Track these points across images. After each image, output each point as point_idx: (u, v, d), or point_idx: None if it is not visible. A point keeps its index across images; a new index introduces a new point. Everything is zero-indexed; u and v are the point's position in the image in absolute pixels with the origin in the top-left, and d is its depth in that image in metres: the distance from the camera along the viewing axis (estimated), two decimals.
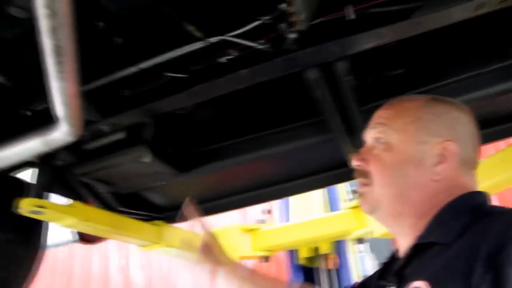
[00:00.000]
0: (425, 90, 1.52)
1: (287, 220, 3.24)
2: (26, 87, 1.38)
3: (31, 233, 2.22)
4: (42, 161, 1.67)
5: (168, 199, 2.01)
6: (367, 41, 1.31)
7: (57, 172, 1.68)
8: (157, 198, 2.00)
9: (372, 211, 1.02)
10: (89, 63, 1.54)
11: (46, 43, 1.05)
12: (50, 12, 0.98)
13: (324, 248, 2.80)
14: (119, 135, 1.60)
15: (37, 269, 2.25)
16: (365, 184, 1.03)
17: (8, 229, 2.13)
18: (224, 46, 1.47)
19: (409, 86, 1.56)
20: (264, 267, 2.69)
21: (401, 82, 1.59)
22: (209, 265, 1.42)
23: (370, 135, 1.07)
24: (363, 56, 1.44)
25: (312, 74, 1.45)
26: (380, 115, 1.08)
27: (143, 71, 1.54)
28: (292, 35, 1.35)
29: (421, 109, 1.02)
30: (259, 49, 1.42)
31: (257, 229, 2.68)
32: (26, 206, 1.52)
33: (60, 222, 1.64)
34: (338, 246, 2.93)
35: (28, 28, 1.37)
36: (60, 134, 1.31)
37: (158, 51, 1.53)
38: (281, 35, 1.38)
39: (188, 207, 1.47)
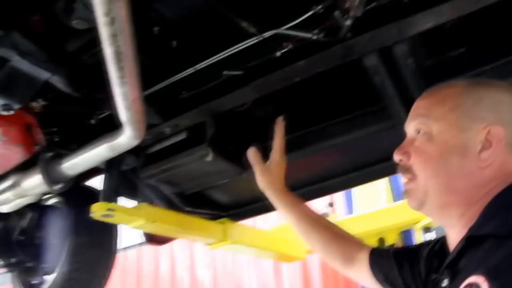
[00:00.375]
0: (487, 69, 1.45)
1: (351, 212, 3.19)
2: (90, 97, 1.43)
3: (105, 237, 2.33)
4: (109, 167, 1.74)
5: (232, 196, 2.03)
6: (426, 21, 1.26)
7: (124, 176, 1.74)
8: (221, 196, 2.02)
9: (419, 206, 0.98)
10: (147, 68, 1.59)
11: (107, 50, 1.09)
12: (110, 19, 1.01)
13: (391, 239, 2.73)
14: (181, 136, 1.64)
15: (111, 270, 2.35)
16: (410, 180, 1.00)
17: (84, 233, 2.24)
18: (279, 39, 1.47)
19: (471, 66, 1.48)
20: None
21: (462, 62, 1.52)
22: (263, 182, 1.48)
23: (410, 127, 1.03)
24: (422, 38, 1.39)
25: (371, 61, 1.41)
26: (419, 105, 1.04)
27: (199, 71, 1.57)
28: (347, 22, 1.32)
29: (461, 95, 0.98)
30: (314, 40, 1.41)
31: None
32: (98, 210, 1.59)
33: (129, 223, 1.70)
34: (405, 235, 2.85)
35: (89, 39, 1.45)
36: (125, 138, 1.35)
37: (213, 50, 1.55)
38: (335, 24, 1.37)
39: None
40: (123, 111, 1.25)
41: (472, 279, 0.76)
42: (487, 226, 0.82)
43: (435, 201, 0.95)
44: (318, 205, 3.38)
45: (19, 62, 1.19)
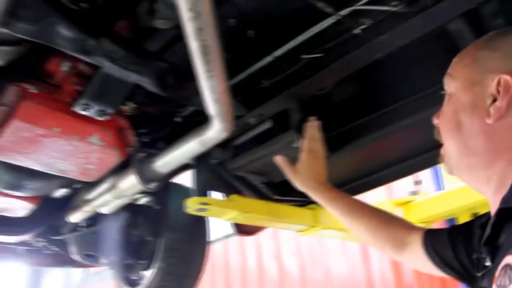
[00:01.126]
0: None
1: (440, 188, 3.06)
2: (175, 94, 1.46)
3: (197, 232, 2.39)
4: (198, 162, 1.77)
5: None
6: None
7: (212, 170, 1.77)
8: None
9: (450, 171, 0.93)
10: (226, 60, 1.60)
11: (193, 44, 1.10)
12: (195, 14, 1.02)
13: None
14: (266, 125, 1.63)
15: (205, 264, 2.42)
16: (442, 144, 0.95)
17: (177, 229, 2.32)
18: (356, 16, 1.43)
19: None
20: None
21: None
22: (296, 183, 1.48)
23: (445, 88, 0.97)
24: None
25: (456, 25, 1.33)
26: (450, 64, 0.97)
27: (278, 58, 1.56)
28: None
29: (479, 48, 0.91)
30: (394, 12, 1.35)
31: (411, 201, 2.57)
32: (192, 205, 1.62)
33: (223, 216, 1.72)
34: None
35: (168, 37, 1.48)
36: (214, 132, 1.36)
37: (290, 35, 1.53)
38: None
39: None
40: (211, 104, 1.26)
41: (508, 259, 0.68)
42: None
43: (458, 165, 0.90)
44: (404, 184, 3.29)
45: (110, 68, 1.23)
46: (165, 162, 1.55)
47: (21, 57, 1.28)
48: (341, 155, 1.74)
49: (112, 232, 2.29)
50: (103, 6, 1.18)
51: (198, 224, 2.42)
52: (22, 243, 2.46)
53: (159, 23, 1.20)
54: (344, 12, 1.41)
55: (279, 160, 1.55)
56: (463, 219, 2.65)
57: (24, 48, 1.24)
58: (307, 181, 1.47)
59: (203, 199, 1.63)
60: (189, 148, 1.47)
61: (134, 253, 2.40)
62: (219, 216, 1.72)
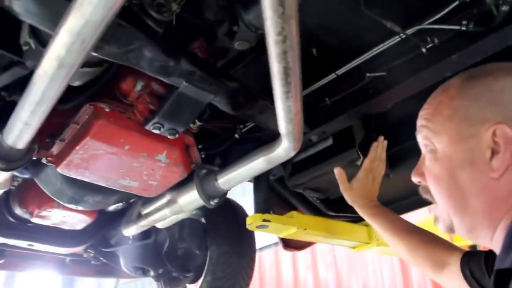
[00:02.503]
0: None
1: None
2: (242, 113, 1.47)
3: (244, 245, 2.39)
4: (258, 179, 1.78)
5: None
6: None
7: (271, 186, 1.77)
8: None
9: (449, 231, 0.86)
10: None
11: (276, 66, 1.09)
12: (282, 38, 1.03)
13: None
14: (327, 143, 1.64)
15: (251, 277, 2.42)
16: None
17: (224, 243, 2.33)
18: (422, 35, 1.42)
19: None
20: None
21: None
22: (347, 198, 1.50)
23: (420, 142, 0.92)
24: None
25: None
26: (421, 115, 0.91)
27: (342, 76, 1.56)
28: (504, 8, 1.25)
29: (456, 97, 0.83)
30: (463, 31, 1.34)
31: None
32: (254, 221, 1.63)
33: (282, 233, 1.72)
34: None
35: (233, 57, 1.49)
36: (283, 150, 1.37)
37: (354, 54, 1.53)
38: (487, 12, 1.29)
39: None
40: (284, 124, 1.26)
41: None
42: (509, 259, 0.67)
43: (460, 226, 0.83)
44: None
45: (186, 88, 1.24)
46: (228, 179, 1.56)
47: (97, 77, 1.31)
48: (398, 172, 1.74)
49: (160, 245, 2.32)
50: (184, 27, 1.19)
51: (245, 238, 2.43)
52: (72, 254, 2.50)
53: (238, 45, 1.21)
54: (411, 30, 1.41)
55: (338, 172, 1.55)
56: None
57: (102, 69, 1.27)
58: (357, 198, 1.49)
59: (265, 216, 1.63)
60: (254, 165, 1.47)
61: (181, 266, 2.41)
62: (278, 233, 1.72)
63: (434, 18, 1.39)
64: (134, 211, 2.04)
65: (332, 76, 1.57)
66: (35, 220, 1.85)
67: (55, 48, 0.94)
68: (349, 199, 1.50)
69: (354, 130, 1.58)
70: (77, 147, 1.38)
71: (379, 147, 1.54)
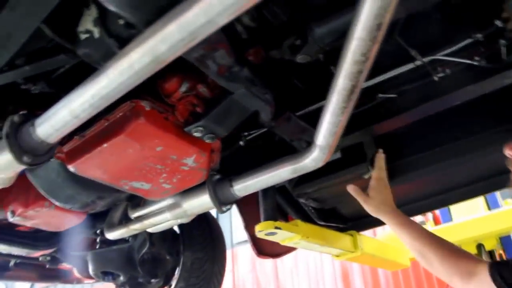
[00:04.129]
0: None
1: (448, 220, 3.29)
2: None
3: (217, 251, 2.38)
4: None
5: (355, 208, 2.10)
6: None
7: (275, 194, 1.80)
8: (344, 209, 2.09)
9: None
10: (307, 90, 1.65)
11: (344, 83, 1.14)
12: (365, 59, 1.07)
13: (489, 245, 2.80)
14: (335, 156, 1.70)
15: (221, 283, 2.41)
16: None
17: (198, 249, 2.30)
18: (436, 64, 1.55)
19: None
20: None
21: None
22: (369, 209, 1.57)
23: None
24: None
25: None
26: None
27: None
28: None
29: None
30: (474, 65, 1.49)
31: None
32: (265, 228, 1.63)
33: (287, 240, 1.75)
34: (504, 242, 2.94)
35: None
36: (312, 161, 1.41)
37: (369, 75, 1.62)
38: (498, 51, 1.44)
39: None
40: (324, 136, 1.30)
41: None
42: None
43: None
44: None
45: (242, 95, 1.24)
46: (245, 186, 1.56)
47: None
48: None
49: (134, 250, 2.22)
50: (247, 32, 1.19)
51: (218, 244, 2.42)
52: (22, 257, 2.30)
53: (300, 58, 1.23)
54: (427, 59, 1.53)
55: (352, 189, 1.62)
56: (468, 250, 2.88)
57: None
58: (380, 206, 1.57)
59: (276, 223, 1.65)
60: (279, 174, 1.48)
61: (149, 271, 2.33)
62: (283, 240, 1.75)
63: (448, 51, 1.51)
64: (116, 214, 1.94)
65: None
66: (15, 220, 1.68)
67: (154, 42, 0.90)
68: (372, 209, 1.56)
69: (365, 146, 1.67)
70: (105, 145, 1.30)
71: (381, 158, 1.64)
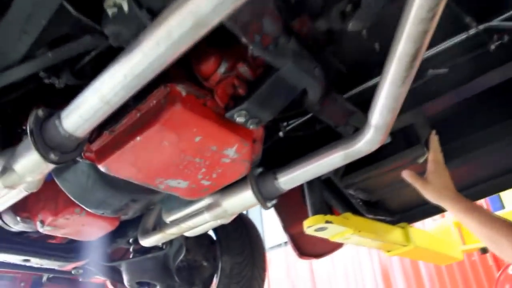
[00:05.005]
0: None
1: (499, 208, 3.10)
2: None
3: (257, 255, 2.24)
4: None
5: (404, 199, 1.94)
6: None
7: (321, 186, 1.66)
8: (393, 199, 1.94)
9: None
10: (353, 70, 1.51)
11: (406, 47, 1.00)
12: (432, 15, 0.93)
13: None
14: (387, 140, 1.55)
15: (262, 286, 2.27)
16: None
17: (237, 253, 2.16)
18: (489, 33, 1.40)
19: None
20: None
21: None
22: (428, 196, 1.43)
23: None
24: None
25: None
26: None
27: None
28: None
29: None
30: None
31: None
32: (315, 223, 1.49)
33: (337, 236, 1.60)
34: None
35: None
36: (366, 144, 1.27)
37: None
38: None
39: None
40: (381, 113, 1.16)
41: None
42: None
43: None
44: None
45: (289, 71, 1.10)
46: (291, 177, 1.42)
47: None
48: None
49: (169, 258, 2.10)
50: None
51: (257, 246, 2.28)
52: (54, 271, 2.20)
53: (352, 25, 1.09)
54: (482, 26, 1.39)
55: (407, 174, 1.48)
56: None
57: None
58: (441, 191, 1.43)
59: (327, 217, 1.50)
60: (328, 161, 1.35)
61: (187, 280, 2.21)
62: (333, 236, 1.60)
63: (507, 14, 1.37)
64: (150, 219, 1.82)
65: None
66: (45, 230, 1.57)
67: (196, 1, 0.78)
68: (433, 194, 1.42)
69: (418, 127, 1.52)
70: (138, 138, 1.18)
71: (435, 139, 1.49)
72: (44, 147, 1.08)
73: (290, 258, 5.95)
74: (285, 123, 1.65)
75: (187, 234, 1.70)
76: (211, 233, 2.34)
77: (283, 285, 5.83)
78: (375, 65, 1.48)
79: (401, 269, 4.72)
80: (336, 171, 1.66)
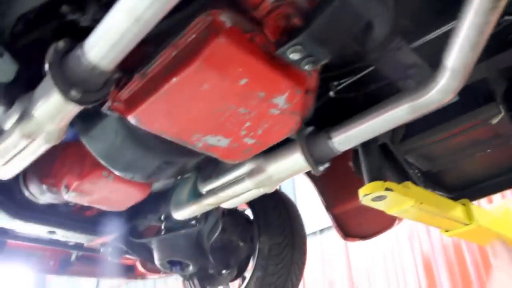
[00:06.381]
0: None
1: None
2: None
3: (297, 236, 2.07)
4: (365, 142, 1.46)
5: (467, 171, 1.73)
6: None
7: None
8: (456, 171, 1.72)
9: None
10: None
11: None
12: None
13: None
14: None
15: (303, 272, 2.09)
16: None
17: (277, 233, 1.99)
18: None
19: None
20: None
21: None
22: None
23: None
24: None
25: None
26: None
27: None
28: None
29: None
30: None
31: None
32: (373, 191, 1.29)
33: (396, 207, 1.39)
34: None
35: None
36: (439, 93, 1.07)
37: None
38: None
39: None
40: (462, 52, 0.97)
41: None
42: None
43: None
44: None
45: None
46: (348, 136, 1.24)
47: None
48: None
49: (203, 236, 1.93)
50: None
51: (297, 227, 2.10)
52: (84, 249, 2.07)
53: None
54: None
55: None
56: None
57: None
58: None
59: (386, 184, 1.31)
60: (391, 116, 1.16)
61: (221, 261, 2.04)
62: (392, 207, 1.39)
63: None
64: (184, 190, 1.66)
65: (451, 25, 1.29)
66: (70, 196, 1.42)
67: None
68: None
69: (491, 81, 1.31)
70: (173, 80, 1.01)
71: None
72: (65, 83, 0.92)
73: (325, 250, 5.71)
74: (335, 82, 1.46)
75: (225, 205, 1.53)
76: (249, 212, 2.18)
77: (316, 280, 5.61)
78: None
79: (444, 262, 4.45)
80: (394, 135, 1.47)
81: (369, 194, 1.30)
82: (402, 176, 1.55)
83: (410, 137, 1.41)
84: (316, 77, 1.16)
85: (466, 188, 1.77)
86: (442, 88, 1.07)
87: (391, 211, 1.42)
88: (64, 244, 2.02)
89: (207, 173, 1.56)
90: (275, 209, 2.03)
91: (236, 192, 1.45)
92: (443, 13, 1.26)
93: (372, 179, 1.34)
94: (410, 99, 1.12)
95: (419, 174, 1.54)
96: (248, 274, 2.05)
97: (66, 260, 2.27)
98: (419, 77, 1.27)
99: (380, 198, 1.32)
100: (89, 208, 1.76)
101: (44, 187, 1.51)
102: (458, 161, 1.56)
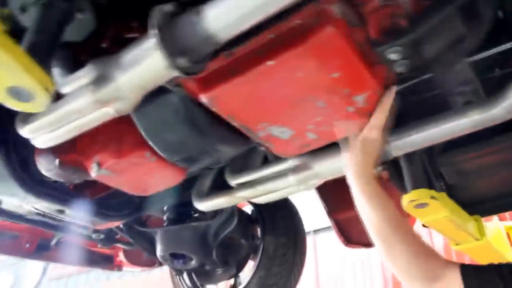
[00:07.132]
0: None
1: None
2: None
3: (299, 237, 2.06)
4: None
5: (479, 190, 1.79)
6: None
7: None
8: (471, 189, 1.77)
9: None
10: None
11: None
12: None
13: None
14: None
15: (301, 275, 2.09)
16: None
17: (282, 233, 1.98)
18: None
19: None
20: None
21: None
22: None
23: None
24: None
25: None
26: None
27: None
28: None
29: None
30: None
31: None
32: (419, 198, 1.32)
33: (432, 216, 1.42)
34: None
35: None
36: (503, 109, 1.12)
37: None
38: None
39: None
40: None
41: None
42: None
43: None
44: None
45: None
46: (405, 142, 1.25)
47: None
48: None
49: (210, 231, 1.87)
50: None
51: (299, 228, 2.10)
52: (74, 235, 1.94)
53: None
54: None
55: None
56: None
57: None
58: (356, 164, 1.20)
59: (432, 193, 1.33)
60: (452, 127, 1.18)
61: (221, 258, 1.99)
62: (427, 216, 1.42)
63: None
64: (207, 181, 1.61)
65: (509, 44, 1.34)
66: (99, 174, 1.33)
67: None
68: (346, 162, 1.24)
69: None
70: (269, 62, 0.99)
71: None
72: (173, 49, 0.86)
73: (319, 251, 5.63)
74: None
75: (258, 199, 1.50)
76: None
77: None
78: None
79: None
80: (432, 146, 1.50)
81: (414, 201, 1.33)
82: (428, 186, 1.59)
83: (450, 149, 1.44)
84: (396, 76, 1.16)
85: (478, 204, 1.82)
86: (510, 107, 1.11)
87: (424, 219, 1.46)
88: (48, 225, 1.85)
89: (236, 165, 1.53)
90: (282, 210, 2.02)
91: (277, 187, 1.42)
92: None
93: (416, 186, 1.36)
94: (475, 112, 1.15)
95: (444, 187, 1.58)
96: (243, 273, 2.02)
97: (44, 244, 2.11)
98: (469, 96, 1.30)
99: (422, 205, 1.35)
100: (93, 188, 1.65)
101: (57, 161, 1.40)
102: (483, 179, 1.61)
